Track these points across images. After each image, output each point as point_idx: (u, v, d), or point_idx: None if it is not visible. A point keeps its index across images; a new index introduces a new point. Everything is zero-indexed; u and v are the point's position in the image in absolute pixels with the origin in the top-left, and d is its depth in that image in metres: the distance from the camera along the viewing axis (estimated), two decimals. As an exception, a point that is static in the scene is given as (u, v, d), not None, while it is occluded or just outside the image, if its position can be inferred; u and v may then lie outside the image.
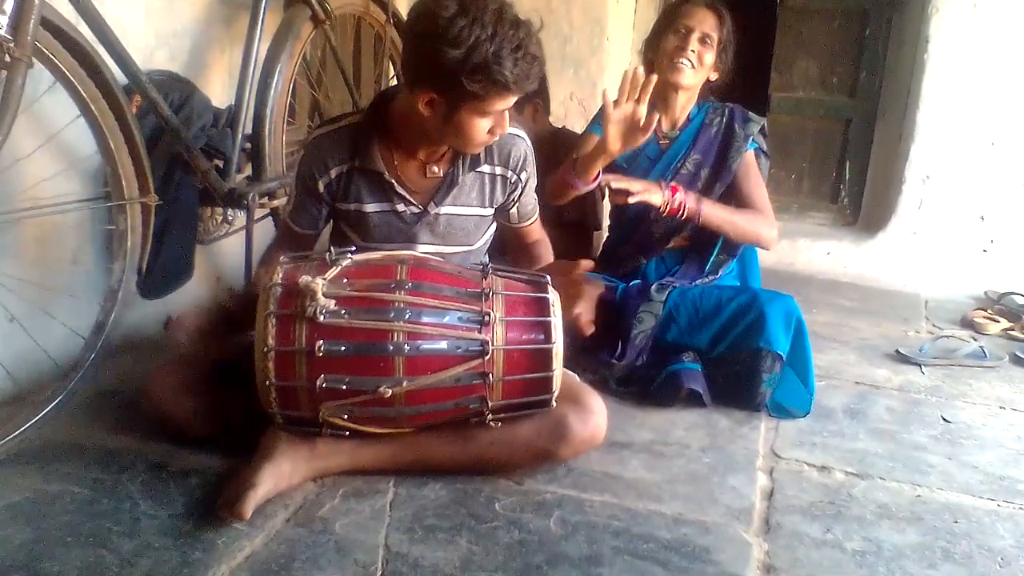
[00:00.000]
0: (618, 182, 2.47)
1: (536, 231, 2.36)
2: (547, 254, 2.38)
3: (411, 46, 1.94)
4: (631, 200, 2.46)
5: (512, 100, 1.93)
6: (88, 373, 2.14)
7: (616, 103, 2.28)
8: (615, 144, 2.32)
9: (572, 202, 2.60)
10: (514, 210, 2.25)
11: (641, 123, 2.26)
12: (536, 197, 2.31)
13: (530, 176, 2.21)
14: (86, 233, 2.42)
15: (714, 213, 2.58)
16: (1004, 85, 3.76)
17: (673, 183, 2.56)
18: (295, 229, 2.19)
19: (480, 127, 1.95)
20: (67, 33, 2.00)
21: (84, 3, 2.11)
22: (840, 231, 4.29)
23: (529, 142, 2.19)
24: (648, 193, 2.48)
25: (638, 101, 2.25)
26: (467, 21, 1.80)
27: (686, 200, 2.53)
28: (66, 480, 1.88)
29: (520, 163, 2.16)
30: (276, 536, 1.73)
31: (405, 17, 2.37)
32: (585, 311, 2.30)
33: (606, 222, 2.98)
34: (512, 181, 2.17)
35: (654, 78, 2.25)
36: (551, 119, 3.38)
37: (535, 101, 3.07)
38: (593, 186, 2.46)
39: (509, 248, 2.41)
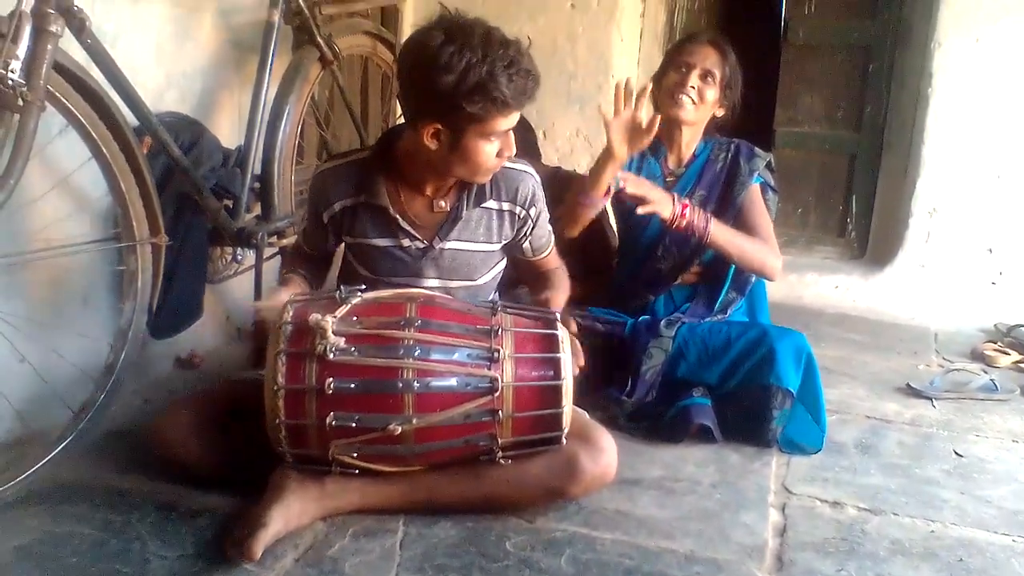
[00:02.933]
0: (635, 187, 2.48)
1: (552, 260, 2.37)
2: (564, 281, 2.36)
3: (407, 80, 1.96)
4: (640, 211, 2.47)
5: (514, 118, 1.95)
6: (98, 413, 2.14)
7: (615, 113, 2.32)
8: (621, 149, 2.35)
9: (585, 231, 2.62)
10: (527, 244, 2.25)
11: (644, 125, 2.30)
12: (550, 229, 2.31)
13: (540, 211, 2.22)
14: (97, 274, 2.43)
15: (721, 234, 2.57)
16: (1009, 118, 3.77)
17: (685, 200, 2.56)
18: (305, 249, 2.26)
19: (487, 152, 1.96)
20: (79, 77, 2.02)
21: (95, 47, 2.13)
22: (848, 265, 4.28)
23: (537, 177, 2.20)
24: (659, 205, 2.48)
25: (636, 108, 2.29)
26: (456, 47, 1.83)
27: (694, 218, 2.53)
28: (75, 521, 1.88)
29: (528, 199, 2.17)
30: (286, 576, 1.72)
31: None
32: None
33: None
34: (521, 217, 2.18)
35: (649, 86, 2.26)
36: (556, 156, 3.38)
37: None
38: (606, 201, 2.46)
39: (526, 278, 2.41)
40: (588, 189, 2.43)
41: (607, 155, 2.39)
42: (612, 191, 2.47)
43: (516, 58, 1.87)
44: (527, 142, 3.15)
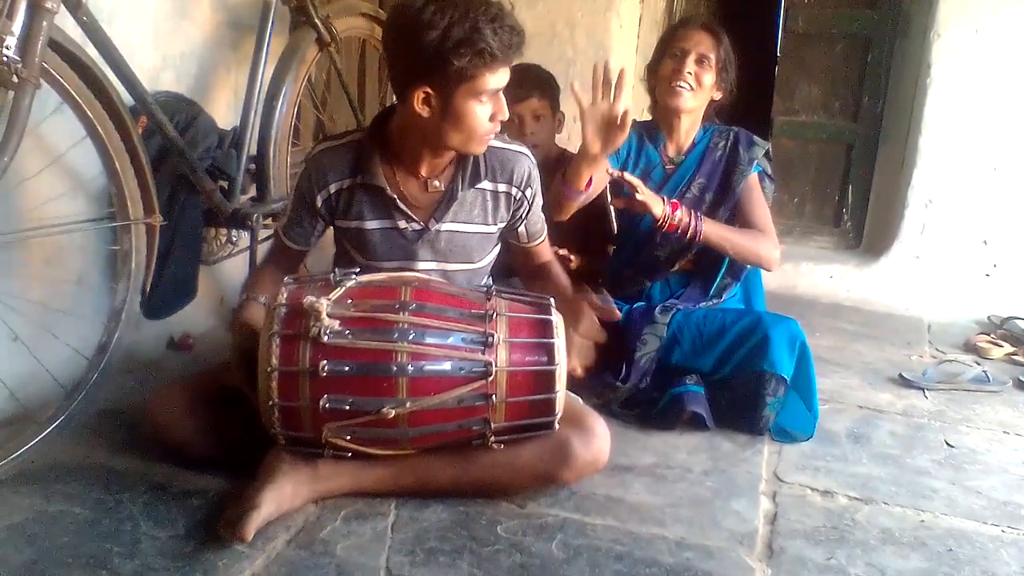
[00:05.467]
0: (630, 178, 2.47)
1: (546, 252, 2.36)
2: (560, 276, 2.36)
3: (393, 45, 1.96)
4: (639, 196, 2.46)
5: (503, 75, 1.93)
6: (91, 393, 2.14)
7: (592, 102, 2.22)
8: (594, 145, 2.25)
9: (584, 211, 2.61)
10: (522, 228, 2.25)
11: (618, 121, 2.19)
12: (543, 216, 2.31)
13: (536, 193, 2.21)
14: (90, 253, 2.43)
15: (713, 232, 2.57)
16: (1006, 110, 3.77)
17: (674, 200, 2.55)
18: (286, 243, 2.19)
19: (480, 114, 1.94)
20: (74, 55, 2.01)
21: (92, 25, 2.12)
22: (843, 255, 4.29)
23: (533, 160, 2.19)
24: (651, 203, 2.48)
25: (615, 100, 2.19)
26: (437, 5, 1.83)
27: (685, 218, 2.53)
28: (67, 501, 1.88)
29: (524, 180, 2.16)
30: (277, 558, 1.73)
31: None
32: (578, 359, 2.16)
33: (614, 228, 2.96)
34: (517, 198, 2.17)
35: (625, 70, 2.21)
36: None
37: (560, 113, 3.07)
38: (586, 193, 2.43)
39: (521, 273, 2.40)
40: (568, 183, 2.41)
41: (582, 154, 2.30)
42: (592, 184, 2.44)
43: (499, 14, 1.88)
44: (559, 94, 3.11)
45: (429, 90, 1.91)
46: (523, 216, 2.21)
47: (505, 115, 2.00)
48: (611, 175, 2.47)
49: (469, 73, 1.87)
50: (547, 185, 2.32)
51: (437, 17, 1.83)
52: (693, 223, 2.54)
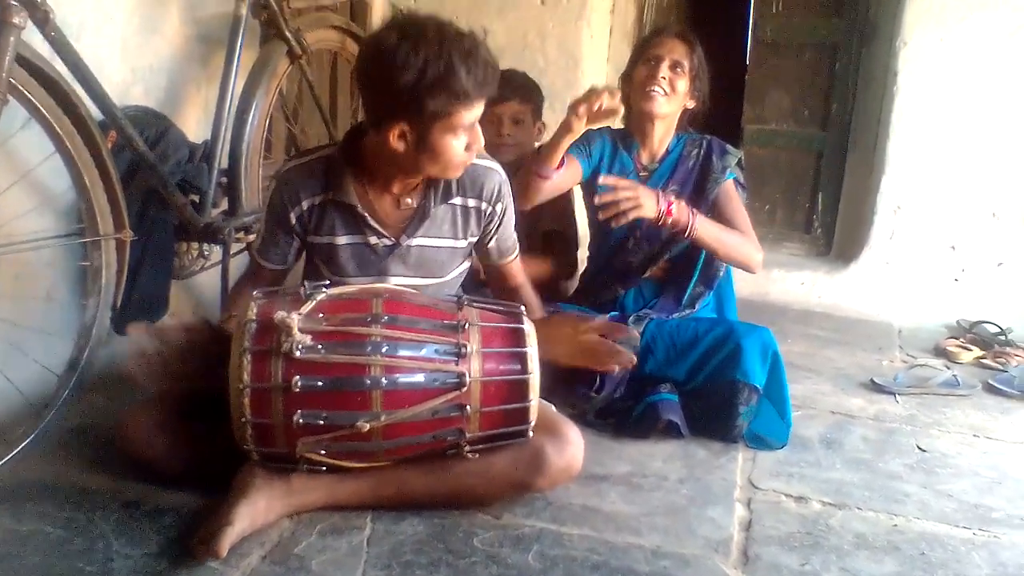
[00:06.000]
0: (623, 183, 2.47)
1: (518, 273, 2.36)
2: (533, 300, 2.37)
3: (367, 84, 1.96)
4: (630, 212, 2.45)
5: (478, 110, 1.94)
6: (61, 411, 2.11)
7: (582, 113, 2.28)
8: (579, 123, 2.30)
9: (548, 212, 2.62)
10: (493, 244, 2.25)
11: (613, 107, 2.27)
12: (515, 236, 2.31)
13: (507, 207, 2.21)
14: (60, 269, 2.40)
15: (705, 229, 2.57)
16: (972, 117, 3.82)
17: (670, 196, 2.55)
18: (264, 265, 2.18)
19: (455, 147, 1.95)
20: (42, 69, 2.00)
21: (60, 40, 2.11)
22: (814, 261, 4.32)
23: (504, 175, 2.20)
24: (644, 203, 2.46)
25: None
26: (411, 44, 1.83)
27: (680, 214, 2.52)
28: (38, 519, 1.85)
29: (495, 194, 2.17)
30: (252, 574, 1.71)
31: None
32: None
33: (585, 239, 2.98)
34: (487, 213, 2.18)
35: (617, 92, 2.25)
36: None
37: (541, 122, 3.10)
38: (557, 174, 2.44)
39: (494, 295, 2.39)
40: (542, 160, 2.42)
41: (564, 128, 2.36)
42: (565, 164, 2.45)
43: (473, 49, 1.87)
44: (542, 103, 3.15)
45: (405, 127, 1.91)
46: (493, 231, 2.22)
47: (480, 145, 2.01)
48: (604, 183, 2.47)
49: (444, 112, 1.88)
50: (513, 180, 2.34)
51: (411, 57, 1.82)
52: (688, 218, 2.54)
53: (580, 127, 2.32)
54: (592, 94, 2.27)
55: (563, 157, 2.47)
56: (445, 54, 1.83)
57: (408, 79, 1.83)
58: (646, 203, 2.47)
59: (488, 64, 1.90)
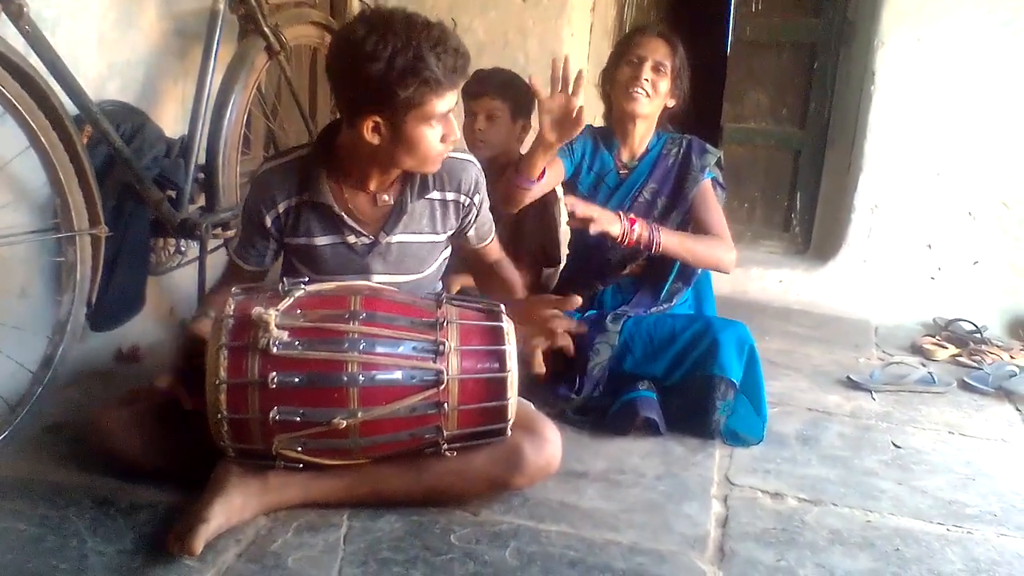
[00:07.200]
0: (584, 210, 2.49)
1: (495, 250, 2.37)
2: (512, 273, 2.38)
3: (338, 78, 1.95)
4: (592, 231, 2.48)
5: (451, 99, 1.94)
6: (35, 407, 2.11)
7: (550, 95, 2.28)
8: (551, 135, 2.31)
9: (532, 229, 2.62)
10: (472, 232, 2.25)
11: (574, 114, 2.26)
12: (491, 217, 2.31)
13: (483, 198, 2.22)
14: (35, 265, 2.39)
15: (671, 242, 2.60)
16: (948, 117, 3.85)
17: (632, 215, 2.58)
18: (242, 266, 2.17)
19: (430, 138, 1.95)
20: (16, 64, 1.98)
21: (34, 34, 2.09)
22: (792, 259, 4.34)
23: (480, 167, 2.20)
24: (608, 224, 2.49)
25: (573, 93, 2.25)
26: (379, 35, 1.83)
27: (644, 232, 2.55)
28: (11, 517, 1.84)
29: (472, 187, 2.17)
30: (227, 572, 1.71)
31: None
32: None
33: (565, 252, 2.97)
34: (465, 205, 2.18)
35: (583, 70, 2.26)
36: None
37: (524, 121, 3.04)
38: (539, 185, 2.46)
39: (473, 271, 2.41)
40: (521, 172, 2.43)
41: (538, 142, 2.36)
42: (545, 175, 2.46)
43: (441, 37, 1.87)
44: (529, 116, 3.10)
45: (378, 119, 1.91)
46: (472, 221, 2.22)
47: (456, 136, 2.00)
48: (569, 211, 2.48)
49: (416, 101, 1.88)
50: (497, 186, 2.33)
51: (380, 47, 1.82)
52: (652, 235, 2.56)
53: (553, 138, 2.32)
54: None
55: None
56: (413, 43, 1.83)
57: (377, 69, 1.82)
58: (609, 227, 2.49)
59: (458, 52, 1.90)
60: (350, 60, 1.86)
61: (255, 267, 2.17)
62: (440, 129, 1.95)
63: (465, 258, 2.36)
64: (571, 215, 2.51)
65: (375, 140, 1.93)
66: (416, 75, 1.84)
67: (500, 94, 2.92)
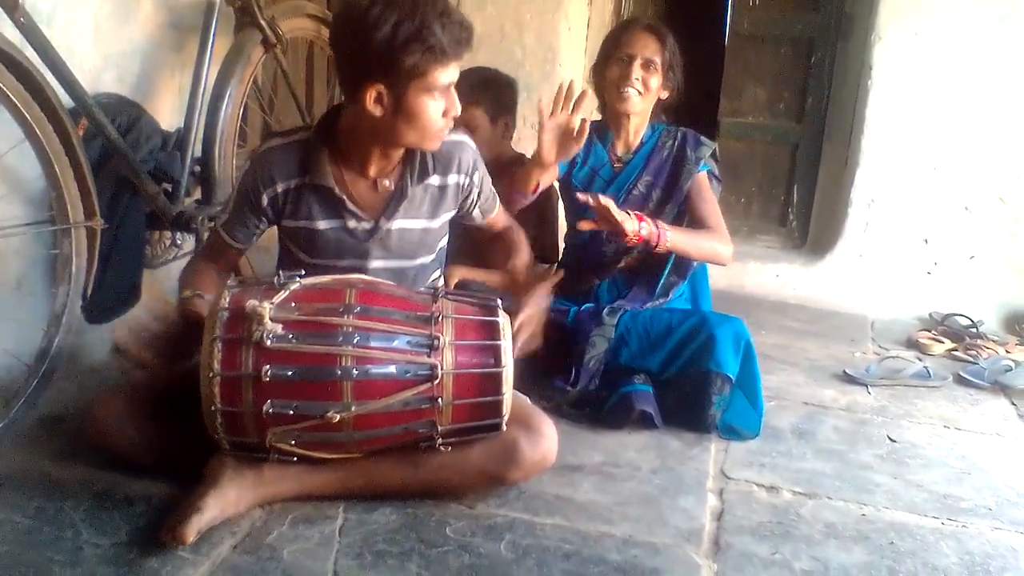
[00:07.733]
0: (605, 203, 2.45)
1: (503, 218, 2.37)
2: (520, 237, 2.37)
3: (341, 45, 1.95)
4: (615, 215, 2.44)
5: (453, 71, 1.94)
6: (31, 400, 2.10)
7: (552, 114, 2.34)
8: (550, 154, 2.36)
9: (529, 226, 2.62)
10: (476, 211, 2.26)
11: (575, 133, 2.31)
12: (494, 190, 2.31)
13: (483, 175, 2.22)
14: (30, 258, 2.38)
15: (676, 239, 2.58)
16: (945, 111, 3.85)
17: (637, 212, 2.56)
18: (226, 240, 2.15)
19: (432, 110, 1.94)
20: (11, 56, 1.98)
21: (29, 26, 2.08)
22: (789, 254, 4.35)
23: (474, 144, 2.20)
24: (623, 221, 2.45)
25: (573, 112, 2.31)
26: (384, 3, 1.84)
27: (653, 229, 2.52)
28: (7, 509, 1.83)
29: (471, 165, 2.17)
30: (222, 564, 1.71)
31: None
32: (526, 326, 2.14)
33: (561, 247, 2.98)
34: (465, 186, 2.18)
35: (588, 91, 2.28)
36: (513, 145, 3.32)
37: (507, 118, 3.01)
38: (533, 198, 2.47)
39: (481, 243, 2.39)
40: (517, 187, 2.45)
41: (535, 160, 2.41)
42: (541, 189, 2.48)
43: (446, 9, 1.88)
44: (512, 113, 3.05)
45: (381, 88, 1.90)
46: (475, 199, 2.22)
47: (458, 110, 2.00)
48: (584, 201, 2.46)
49: (420, 69, 1.87)
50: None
51: (385, 15, 1.82)
52: (658, 232, 2.54)
53: (551, 157, 2.38)
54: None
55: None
56: (419, 11, 1.84)
57: (382, 36, 1.82)
58: (626, 226, 2.45)
59: (462, 24, 1.90)
60: (355, 27, 1.86)
61: (241, 244, 2.17)
62: (442, 103, 1.95)
63: (473, 232, 2.36)
64: (581, 213, 2.50)
65: (377, 111, 1.92)
66: (421, 42, 1.84)
67: (474, 100, 2.79)
